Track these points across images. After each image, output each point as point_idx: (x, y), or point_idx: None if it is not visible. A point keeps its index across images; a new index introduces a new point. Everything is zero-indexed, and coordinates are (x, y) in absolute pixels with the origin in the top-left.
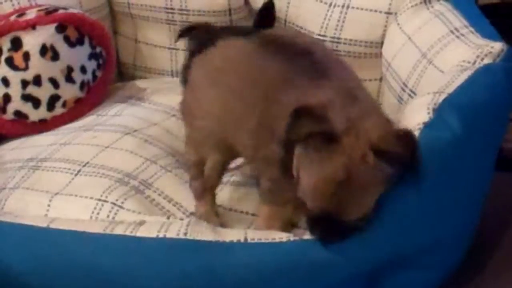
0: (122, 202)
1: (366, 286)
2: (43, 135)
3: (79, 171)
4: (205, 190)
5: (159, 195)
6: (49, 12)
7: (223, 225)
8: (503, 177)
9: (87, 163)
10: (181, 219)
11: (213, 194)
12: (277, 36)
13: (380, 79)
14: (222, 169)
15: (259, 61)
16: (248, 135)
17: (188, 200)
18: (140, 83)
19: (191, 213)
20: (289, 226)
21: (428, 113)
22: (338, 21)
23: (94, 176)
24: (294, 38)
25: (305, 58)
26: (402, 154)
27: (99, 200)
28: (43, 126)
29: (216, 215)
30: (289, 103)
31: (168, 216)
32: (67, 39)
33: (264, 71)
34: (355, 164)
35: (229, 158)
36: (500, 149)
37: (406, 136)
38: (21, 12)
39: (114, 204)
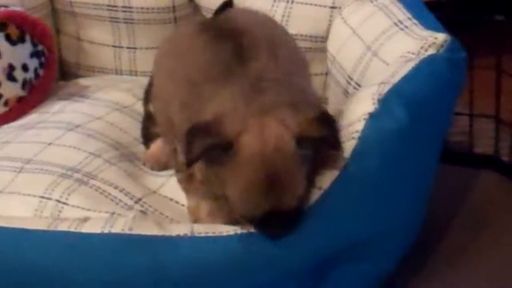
0: (67, 198)
1: (313, 279)
2: None
3: (21, 168)
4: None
5: (105, 183)
6: None
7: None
8: (448, 170)
9: (30, 160)
10: (129, 207)
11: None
12: (220, 21)
13: (326, 74)
14: None
15: (194, 47)
16: (176, 119)
17: (135, 188)
18: (83, 81)
19: (139, 199)
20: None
21: (374, 103)
22: (283, 16)
23: (37, 173)
24: (236, 20)
25: (231, 44)
26: (324, 137)
27: (43, 197)
28: None
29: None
30: (204, 99)
31: (116, 203)
32: (8, 37)
33: (194, 58)
34: (267, 158)
35: None
36: (445, 141)
37: (324, 118)
38: None
39: (58, 201)
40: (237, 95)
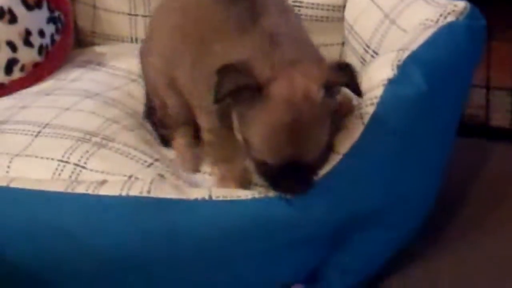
0: (85, 162)
1: (330, 245)
2: (1, 99)
3: (39, 132)
4: (175, 127)
5: (124, 145)
6: None
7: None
8: (464, 142)
9: (47, 124)
10: (149, 164)
11: (187, 127)
12: None
13: (343, 44)
14: (186, 109)
15: (203, 4)
16: (185, 77)
17: (153, 151)
18: (99, 48)
19: (156, 160)
20: (247, 185)
21: (392, 69)
22: None
23: (55, 137)
24: None
25: (243, 2)
26: (349, 82)
27: (61, 161)
28: (1, 90)
29: (193, 146)
30: (217, 56)
31: (135, 161)
32: (25, 2)
33: (204, 15)
34: (296, 104)
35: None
36: (462, 114)
37: (345, 65)
38: None
39: (77, 165)
40: (257, 47)
